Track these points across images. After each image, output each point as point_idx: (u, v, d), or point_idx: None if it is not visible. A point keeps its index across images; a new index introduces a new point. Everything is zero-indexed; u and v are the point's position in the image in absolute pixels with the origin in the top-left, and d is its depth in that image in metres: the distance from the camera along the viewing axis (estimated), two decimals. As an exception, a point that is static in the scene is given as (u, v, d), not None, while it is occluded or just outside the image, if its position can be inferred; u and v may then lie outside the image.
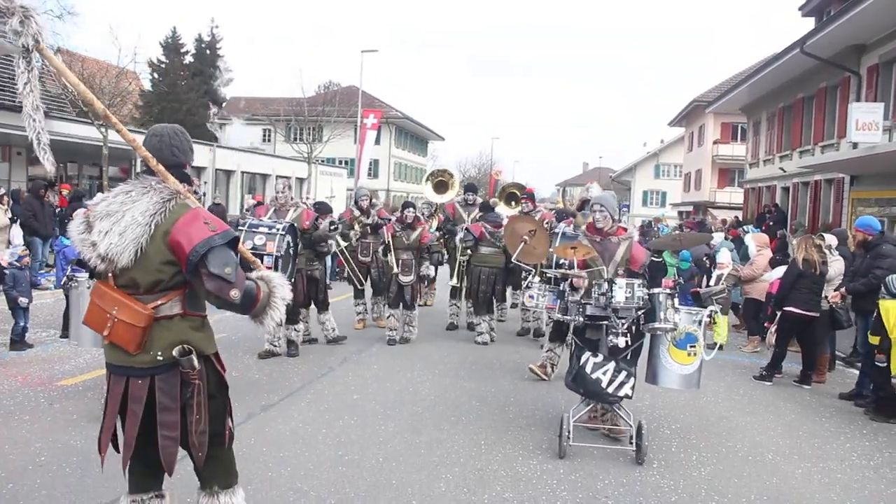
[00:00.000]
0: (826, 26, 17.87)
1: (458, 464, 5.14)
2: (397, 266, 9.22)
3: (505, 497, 4.59)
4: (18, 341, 8.32)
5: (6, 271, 8.27)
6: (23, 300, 8.19)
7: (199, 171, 28.70)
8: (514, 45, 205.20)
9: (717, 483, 5.03)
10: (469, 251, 9.85)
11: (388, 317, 9.52)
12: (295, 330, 8.32)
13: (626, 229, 6.39)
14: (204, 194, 26.74)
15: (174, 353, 2.94)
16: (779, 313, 8.32)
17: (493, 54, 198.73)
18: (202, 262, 2.88)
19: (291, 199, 8.46)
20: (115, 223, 2.94)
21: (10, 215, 12.32)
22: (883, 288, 7.00)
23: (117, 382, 3.04)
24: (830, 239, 8.51)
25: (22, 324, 8.38)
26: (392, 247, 9.30)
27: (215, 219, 3.05)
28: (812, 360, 8.39)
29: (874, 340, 7.08)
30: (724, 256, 10.57)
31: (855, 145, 16.74)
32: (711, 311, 5.87)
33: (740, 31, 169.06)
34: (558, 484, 4.84)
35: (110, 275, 2.99)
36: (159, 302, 2.97)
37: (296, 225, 7.69)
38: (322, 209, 9.83)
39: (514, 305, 11.60)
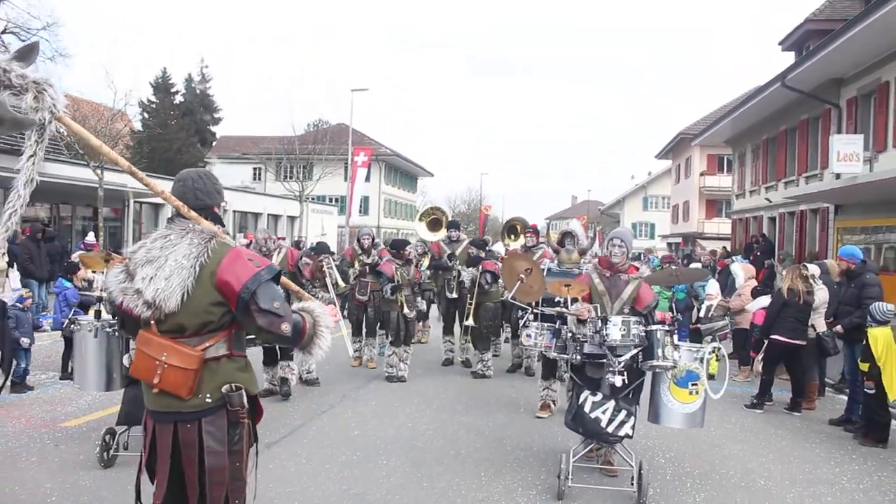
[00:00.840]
0: (805, 61, 18.42)
1: (459, 495, 5.29)
2: (406, 303, 9.45)
3: (506, 525, 4.73)
4: (19, 383, 8.42)
5: (10, 314, 8.39)
6: (24, 340, 8.31)
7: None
8: (512, 46, 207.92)
9: (712, 506, 5.20)
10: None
11: (390, 354, 9.64)
12: (289, 367, 8.25)
13: (637, 268, 6.25)
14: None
15: (224, 389, 2.94)
16: (766, 342, 8.54)
17: (492, 58, 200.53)
18: (252, 299, 2.89)
19: (274, 242, 8.58)
20: (159, 269, 2.94)
21: (6, 259, 12.43)
22: (868, 317, 7.22)
23: (164, 430, 2.99)
24: (814, 269, 8.76)
25: (24, 365, 8.50)
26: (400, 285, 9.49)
27: (257, 255, 3.10)
28: (801, 387, 8.58)
29: (864, 367, 7.28)
30: (713, 287, 10.79)
31: (837, 176, 17.14)
32: (715, 347, 5.84)
33: (722, 65, 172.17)
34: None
35: (152, 322, 2.97)
36: (207, 344, 2.96)
37: (281, 270, 7.72)
38: (321, 249, 10.03)
39: (506, 340, 11.67)
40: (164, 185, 3.31)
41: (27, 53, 2.90)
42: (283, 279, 3.32)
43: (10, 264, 12.43)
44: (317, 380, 9.06)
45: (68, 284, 10.30)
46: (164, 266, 2.93)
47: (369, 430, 6.99)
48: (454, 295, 10.32)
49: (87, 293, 9.48)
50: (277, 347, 8.09)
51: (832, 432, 7.66)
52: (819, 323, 8.61)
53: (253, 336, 3.25)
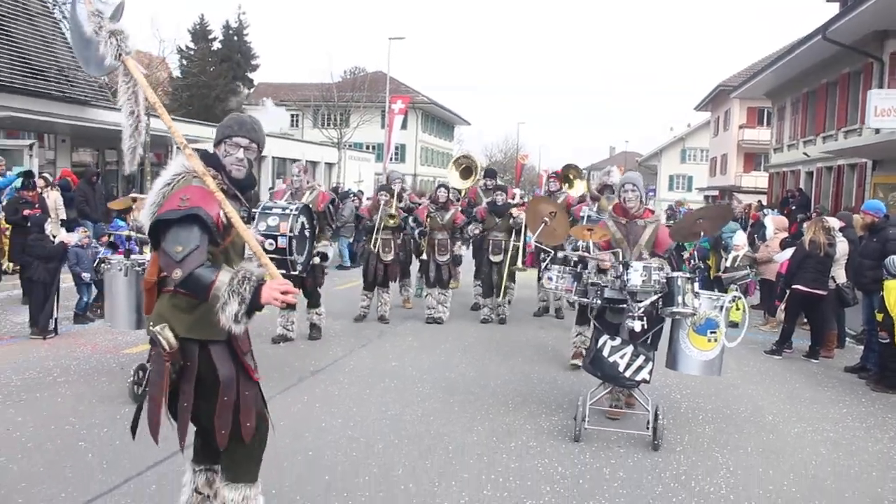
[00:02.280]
0: (849, 12, 18.06)
1: (487, 419, 5.80)
2: (434, 246, 9.80)
3: (530, 445, 5.24)
4: (82, 315, 9.09)
5: (71, 250, 9.02)
6: (85, 275, 8.94)
7: (260, 159, 29.48)
8: (543, 21, 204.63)
9: (719, 437, 5.64)
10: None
11: (425, 295, 10.08)
12: (317, 314, 8.38)
13: (652, 211, 6.26)
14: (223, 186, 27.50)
15: (151, 327, 2.98)
16: (788, 291, 8.87)
17: (532, 6, 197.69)
18: (162, 237, 2.87)
19: (308, 182, 8.49)
20: (150, 194, 3.06)
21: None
22: (884, 270, 7.50)
23: None
24: (834, 222, 9.01)
25: (85, 299, 9.15)
26: (429, 227, 9.85)
27: (196, 196, 2.91)
28: (820, 335, 8.92)
29: (879, 317, 7.59)
30: (740, 238, 11.04)
31: (877, 131, 17.02)
32: (735, 296, 5.85)
33: (765, 15, 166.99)
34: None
35: None
36: (164, 274, 2.97)
37: (311, 207, 7.58)
38: (384, 188, 10.24)
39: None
40: (201, 132, 3.60)
41: (117, 11, 3.26)
42: (246, 232, 3.09)
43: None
44: (320, 331, 8.55)
45: (122, 223, 10.92)
46: (152, 192, 3.05)
47: (406, 362, 7.53)
48: (499, 258, 9.83)
49: (120, 232, 9.83)
50: (302, 289, 7.77)
51: (846, 378, 8.01)
52: (839, 274, 8.89)
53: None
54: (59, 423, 5.26)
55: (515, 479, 4.61)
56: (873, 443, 5.78)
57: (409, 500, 4.23)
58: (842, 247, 8.87)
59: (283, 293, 2.86)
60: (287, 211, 6.81)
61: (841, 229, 9.24)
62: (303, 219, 6.85)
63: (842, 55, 20.70)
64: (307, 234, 6.94)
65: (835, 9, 23.48)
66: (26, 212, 10.13)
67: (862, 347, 9.11)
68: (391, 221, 9.57)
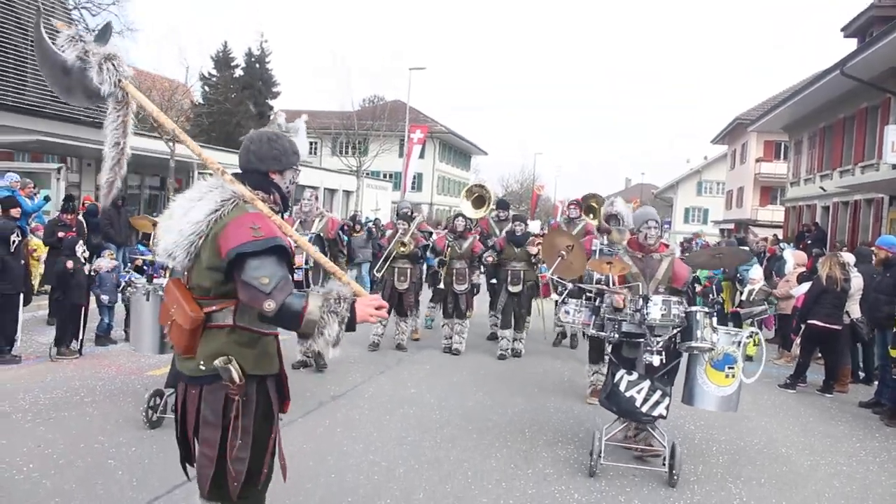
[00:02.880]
0: (868, 48, 18.22)
1: (505, 446, 5.91)
2: (452, 276, 9.83)
3: (547, 472, 5.35)
4: (103, 336, 9.30)
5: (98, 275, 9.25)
6: (104, 297, 9.16)
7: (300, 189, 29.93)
8: (569, 30, 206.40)
9: (733, 468, 5.72)
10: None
11: (442, 325, 10.13)
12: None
13: (667, 245, 6.26)
14: (279, 210, 27.89)
15: (216, 362, 2.78)
16: (803, 326, 8.94)
17: (549, 39, 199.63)
18: (238, 268, 2.73)
19: (317, 209, 8.41)
20: (179, 219, 2.89)
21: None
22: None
23: (180, 389, 3.01)
24: (848, 257, 9.11)
25: (107, 321, 9.36)
26: (448, 257, 9.90)
27: (268, 226, 2.81)
28: (834, 370, 8.98)
29: (894, 353, 7.66)
30: (756, 272, 11.11)
31: (894, 166, 17.09)
32: (752, 332, 5.83)
33: (784, 48, 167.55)
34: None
35: (185, 274, 2.96)
36: (213, 308, 2.85)
37: (322, 235, 7.74)
38: (404, 217, 10.26)
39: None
40: (223, 158, 3.59)
41: (103, 33, 3.13)
42: (318, 255, 3.22)
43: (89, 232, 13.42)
44: (323, 364, 8.28)
45: (143, 249, 11.18)
46: (184, 218, 2.87)
47: (423, 389, 7.66)
48: (517, 288, 9.65)
49: (145, 257, 10.01)
50: None
51: (860, 413, 8.05)
52: (854, 309, 8.96)
53: None
54: (89, 441, 5.43)
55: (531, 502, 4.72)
56: (887, 477, 5.84)
57: (429, 523, 4.35)
58: (856, 282, 8.95)
59: (376, 308, 2.88)
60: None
61: (857, 264, 9.32)
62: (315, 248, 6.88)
63: (859, 90, 20.84)
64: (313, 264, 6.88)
65: (853, 44, 23.70)
66: (61, 234, 10.40)
67: (876, 383, 9.16)
68: (402, 249, 9.58)
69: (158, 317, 3.24)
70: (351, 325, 2.81)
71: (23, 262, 8.77)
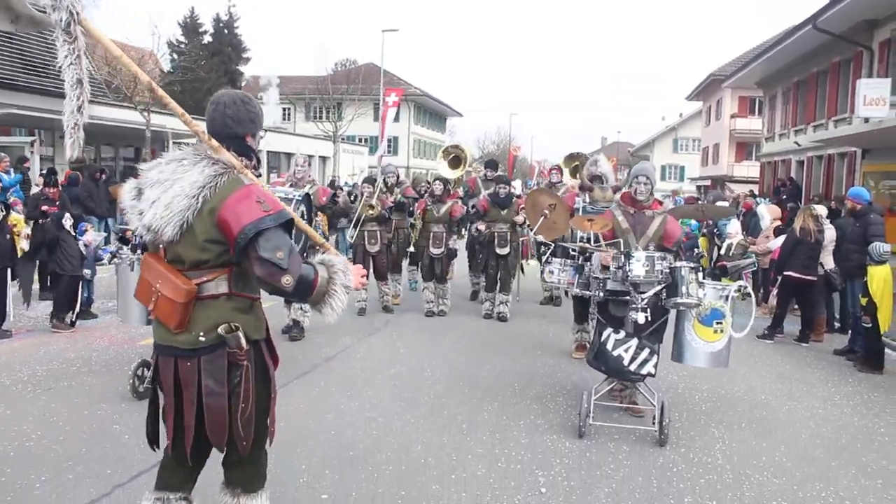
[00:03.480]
0: (839, 1, 18.32)
1: (496, 400, 6.13)
2: (428, 239, 9.81)
3: (538, 423, 5.57)
4: (84, 310, 9.34)
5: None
6: (86, 272, 9.20)
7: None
8: (532, 12, 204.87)
9: (715, 414, 5.99)
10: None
11: (423, 289, 10.14)
12: (301, 310, 8.01)
13: (661, 203, 6.18)
14: (261, 174, 27.76)
15: (220, 330, 2.77)
16: (779, 277, 9.23)
17: (513, 19, 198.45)
18: (252, 245, 2.67)
19: (309, 175, 8.46)
20: (164, 192, 2.77)
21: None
22: (868, 256, 7.85)
23: (166, 364, 2.90)
24: (820, 209, 9.40)
25: (86, 294, 9.41)
26: (423, 221, 9.93)
27: (270, 197, 2.80)
28: (810, 320, 9.30)
29: (863, 302, 7.95)
30: (734, 226, 11.35)
31: (866, 120, 17.34)
32: (740, 285, 5.77)
33: (757, 3, 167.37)
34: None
35: (161, 247, 2.86)
36: (204, 279, 2.79)
37: (312, 197, 7.68)
38: (369, 180, 10.35)
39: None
40: (198, 126, 2.89)
41: None
42: (306, 227, 3.21)
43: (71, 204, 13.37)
44: (303, 330, 8.23)
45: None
46: (169, 191, 2.76)
47: (414, 349, 7.86)
48: (505, 250, 9.60)
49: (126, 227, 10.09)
50: None
51: (835, 360, 8.37)
52: (827, 260, 9.25)
53: None
54: (91, 408, 5.56)
55: (527, 453, 4.94)
56: (859, 418, 6.14)
57: (429, 472, 4.56)
58: (829, 233, 9.23)
59: (361, 276, 2.98)
60: (289, 196, 6.77)
61: (832, 217, 9.59)
62: (302, 207, 6.86)
63: (832, 44, 20.99)
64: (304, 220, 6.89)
65: (825, -1, 23.83)
66: (44, 207, 10.37)
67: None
68: (370, 212, 9.58)
69: (135, 293, 3.00)
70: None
71: (8, 236, 8.79)
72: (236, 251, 2.72)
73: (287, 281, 2.68)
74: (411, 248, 10.22)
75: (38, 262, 9.58)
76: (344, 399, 5.97)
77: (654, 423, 5.24)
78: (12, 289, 8.65)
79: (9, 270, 8.55)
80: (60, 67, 2.77)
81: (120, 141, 24.89)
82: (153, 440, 3.14)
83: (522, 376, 6.93)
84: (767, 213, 12.00)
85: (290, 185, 8.14)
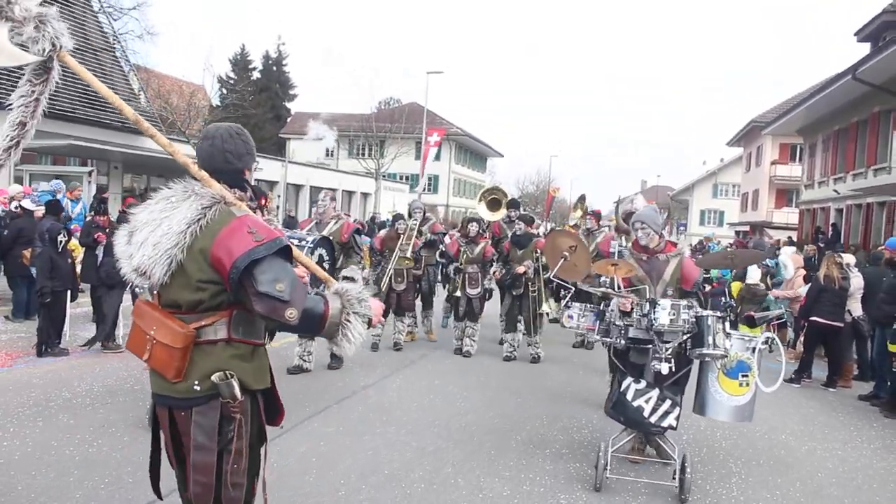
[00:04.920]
0: (880, 52, 18.49)
1: (524, 430, 6.45)
2: (463, 279, 9.75)
3: (562, 452, 5.86)
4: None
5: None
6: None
7: (272, 185, 30.77)
8: (585, 34, 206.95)
9: (734, 451, 6.22)
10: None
11: (454, 328, 10.21)
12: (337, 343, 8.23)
13: (675, 244, 5.94)
14: (277, 207, 28.57)
15: (213, 377, 2.56)
16: (805, 323, 9.42)
17: (555, 71, 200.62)
18: (248, 279, 2.48)
19: (333, 210, 8.25)
20: (152, 232, 2.61)
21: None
22: (897, 303, 8.04)
23: (163, 415, 2.75)
24: (848, 258, 9.61)
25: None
26: (461, 263, 9.85)
27: (263, 227, 2.61)
28: (837, 366, 9.45)
29: (893, 349, 8.11)
30: (754, 273, 11.48)
31: (906, 170, 17.45)
32: (768, 337, 5.49)
33: (799, 52, 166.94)
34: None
35: (155, 293, 2.73)
36: (202, 323, 2.60)
37: (332, 238, 7.32)
38: (396, 218, 10.63)
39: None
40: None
41: None
42: (309, 261, 3.04)
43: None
44: (341, 361, 8.30)
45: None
46: (157, 230, 2.60)
47: (448, 380, 8.19)
48: (518, 291, 9.48)
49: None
50: None
51: (860, 406, 8.51)
52: (855, 307, 9.42)
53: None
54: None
55: (550, 479, 5.25)
56: (878, 460, 6.32)
57: (459, 491, 4.88)
58: (856, 281, 9.41)
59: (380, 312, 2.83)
60: (302, 243, 6.50)
61: (870, 265, 9.75)
62: (320, 251, 6.61)
63: (872, 94, 21.14)
64: (325, 266, 6.62)
65: (866, 48, 24.00)
66: (97, 235, 11.00)
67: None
68: (406, 263, 9.67)
69: (126, 344, 2.84)
70: (369, 325, 2.72)
71: (70, 260, 9.39)
72: (232, 289, 2.53)
73: (291, 314, 2.49)
74: (458, 293, 9.89)
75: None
76: (381, 423, 6.33)
77: (674, 478, 5.00)
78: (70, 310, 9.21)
79: (69, 292, 9.12)
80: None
81: (171, 173, 25.62)
82: (157, 490, 2.94)
83: (550, 409, 7.22)
84: (790, 262, 12.06)
85: (315, 224, 8.13)
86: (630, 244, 6.23)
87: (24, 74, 2.69)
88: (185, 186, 2.70)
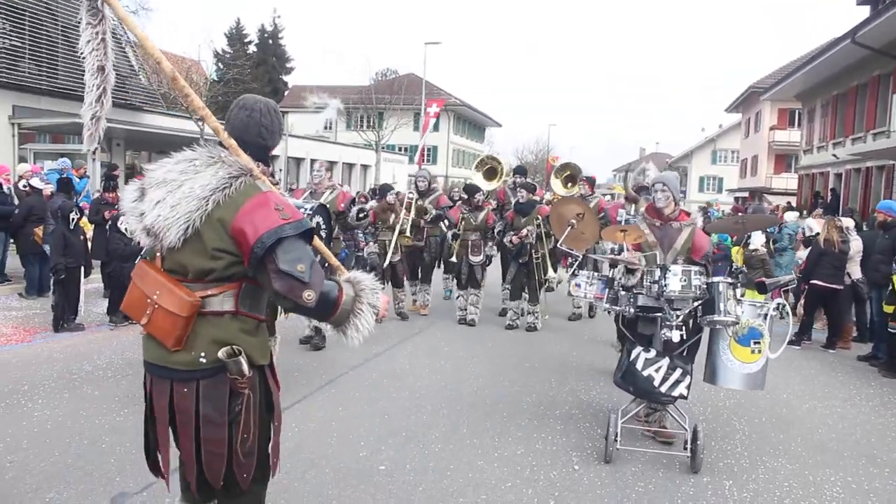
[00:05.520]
0: (879, 16, 18.48)
1: (534, 391, 6.68)
2: (466, 247, 9.76)
3: (572, 413, 6.08)
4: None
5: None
6: None
7: (273, 158, 30.83)
8: (572, 27, 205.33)
9: (738, 409, 6.44)
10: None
11: (457, 297, 10.25)
12: None
13: (688, 214, 5.82)
14: (278, 182, 28.70)
15: (220, 354, 2.51)
16: (805, 286, 9.62)
17: (551, 35, 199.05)
18: (270, 256, 2.44)
19: (328, 181, 8.21)
20: (170, 193, 2.54)
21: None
22: (893, 264, 8.21)
23: (161, 389, 2.62)
24: (847, 221, 9.79)
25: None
26: (462, 229, 9.91)
27: (289, 205, 2.58)
28: (837, 328, 9.67)
29: (888, 309, 8.31)
30: (757, 238, 11.57)
31: (902, 133, 17.55)
32: (779, 303, 5.29)
33: (797, 16, 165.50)
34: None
35: (158, 255, 2.62)
36: (209, 293, 2.54)
37: (329, 207, 7.19)
38: (384, 190, 10.61)
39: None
40: None
41: None
42: (321, 246, 2.96)
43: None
44: (324, 339, 8.04)
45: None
46: (176, 192, 2.53)
47: (457, 346, 8.42)
48: (524, 258, 9.51)
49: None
50: None
51: (859, 366, 8.73)
52: (854, 270, 9.60)
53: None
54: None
55: (562, 437, 5.47)
56: (876, 416, 6.55)
57: (475, 450, 5.10)
58: (855, 244, 9.59)
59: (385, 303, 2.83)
60: (301, 210, 6.36)
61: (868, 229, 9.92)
62: (317, 219, 6.56)
63: (872, 58, 21.14)
64: (322, 234, 6.61)
65: (866, 12, 23.93)
66: (106, 213, 11.14)
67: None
68: (405, 240, 9.71)
69: (123, 305, 2.72)
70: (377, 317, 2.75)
71: (82, 237, 9.55)
72: (252, 263, 2.48)
73: (309, 296, 2.47)
74: (454, 259, 10.00)
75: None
76: (395, 389, 6.54)
77: (685, 449, 4.93)
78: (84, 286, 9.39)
79: (82, 268, 9.29)
80: (82, 54, 2.67)
81: (173, 149, 25.65)
82: (155, 468, 2.82)
83: (559, 371, 7.45)
84: (816, 226, 11.98)
85: (309, 193, 8.05)
86: (643, 209, 6.06)
87: (80, 23, 2.68)
88: (210, 152, 2.66)
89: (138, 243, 2.73)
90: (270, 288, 2.48)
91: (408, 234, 9.84)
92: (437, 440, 5.25)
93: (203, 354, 2.53)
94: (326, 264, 3.09)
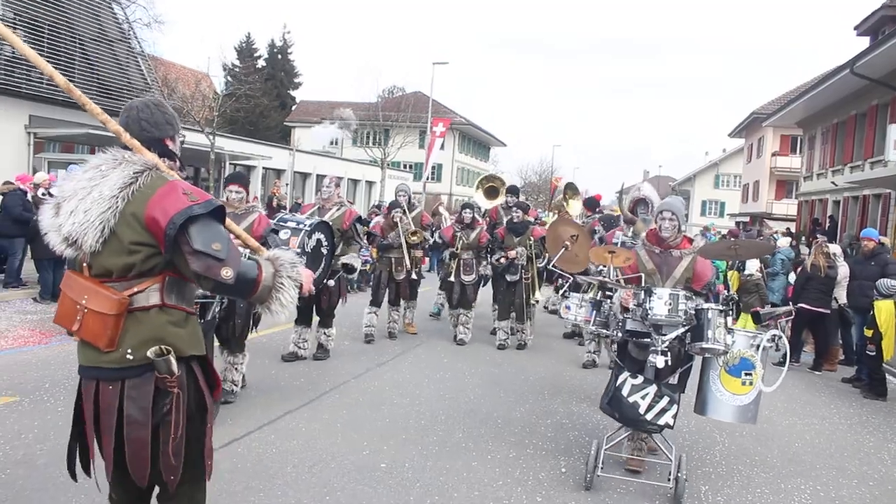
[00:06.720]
0: (877, 47, 18.83)
1: (528, 402, 7.04)
2: (459, 266, 9.73)
3: (563, 422, 6.43)
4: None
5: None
6: None
7: (279, 172, 31.41)
8: (587, 22, 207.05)
9: (719, 424, 6.68)
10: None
11: (449, 317, 10.23)
12: (325, 334, 8.12)
13: (691, 241, 5.60)
14: (285, 195, 29.12)
15: (149, 353, 2.53)
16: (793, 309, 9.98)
17: (568, 35, 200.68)
18: (183, 237, 2.51)
19: (337, 197, 8.23)
20: (81, 200, 2.59)
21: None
22: (875, 290, 8.58)
23: (88, 390, 2.65)
24: (835, 248, 10.16)
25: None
26: (456, 248, 9.76)
27: (197, 190, 2.66)
28: (824, 350, 10.02)
29: (868, 333, 8.66)
30: (752, 264, 11.91)
31: (900, 163, 17.88)
32: (774, 335, 5.14)
33: (800, 45, 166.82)
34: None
35: (84, 264, 2.64)
36: (135, 290, 2.58)
37: (332, 224, 7.20)
38: (393, 205, 10.15)
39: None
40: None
41: None
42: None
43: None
44: (327, 352, 8.21)
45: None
46: (87, 198, 2.58)
47: (458, 358, 8.77)
48: (514, 277, 9.47)
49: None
50: (315, 307, 7.86)
51: (843, 387, 9.09)
52: (841, 295, 9.96)
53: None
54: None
55: (551, 444, 5.82)
56: (852, 434, 6.90)
57: (469, 453, 5.45)
58: (842, 270, 9.96)
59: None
60: (300, 226, 6.53)
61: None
62: (318, 235, 6.59)
63: (871, 88, 21.44)
64: (324, 251, 6.69)
65: (866, 42, 24.35)
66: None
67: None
68: (414, 238, 9.49)
69: (55, 318, 2.75)
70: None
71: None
72: (167, 247, 2.54)
73: (227, 274, 2.52)
74: (451, 278, 9.86)
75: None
76: (397, 397, 6.89)
77: (669, 479, 4.80)
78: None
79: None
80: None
81: (186, 162, 26.49)
82: (73, 471, 2.82)
83: (551, 384, 7.80)
84: (838, 250, 12.25)
85: (318, 208, 8.07)
86: (644, 235, 5.72)
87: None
88: (114, 155, 2.70)
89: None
90: (189, 270, 2.55)
91: (417, 230, 9.58)
92: (434, 442, 5.61)
93: (130, 351, 2.56)
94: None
